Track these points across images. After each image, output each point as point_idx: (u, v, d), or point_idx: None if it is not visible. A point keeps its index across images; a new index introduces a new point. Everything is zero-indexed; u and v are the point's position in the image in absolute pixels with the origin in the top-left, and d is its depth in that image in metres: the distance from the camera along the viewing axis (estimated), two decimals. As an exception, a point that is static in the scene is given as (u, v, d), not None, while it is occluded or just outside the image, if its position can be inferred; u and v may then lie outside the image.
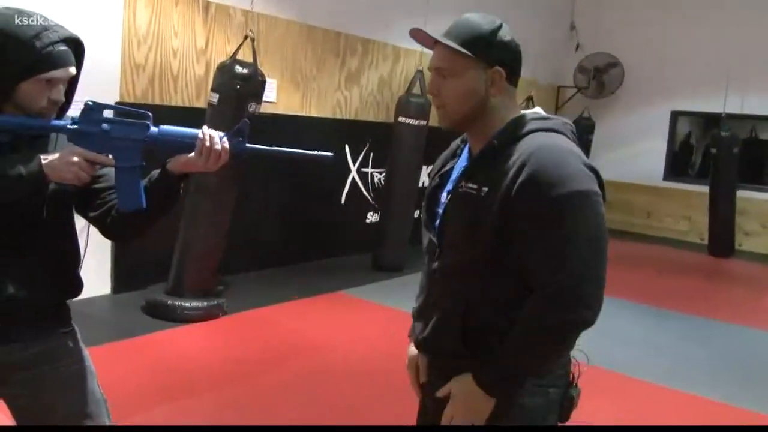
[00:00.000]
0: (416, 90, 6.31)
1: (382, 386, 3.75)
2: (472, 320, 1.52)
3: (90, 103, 1.57)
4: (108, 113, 1.61)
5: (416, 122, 6.21)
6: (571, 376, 1.56)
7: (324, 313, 5.07)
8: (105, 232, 1.74)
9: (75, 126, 1.57)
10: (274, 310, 4.95)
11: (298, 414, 3.34)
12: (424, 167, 7.63)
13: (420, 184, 7.52)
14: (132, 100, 4.82)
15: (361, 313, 5.17)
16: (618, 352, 4.58)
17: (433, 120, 6.55)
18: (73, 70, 1.62)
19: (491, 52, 1.51)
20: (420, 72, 6.29)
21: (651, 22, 9.55)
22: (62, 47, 1.58)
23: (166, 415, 3.20)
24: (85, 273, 4.41)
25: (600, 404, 3.72)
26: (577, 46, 10.13)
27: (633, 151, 9.95)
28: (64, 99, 1.63)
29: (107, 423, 1.78)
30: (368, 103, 7.00)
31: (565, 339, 1.45)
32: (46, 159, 1.50)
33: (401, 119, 6.25)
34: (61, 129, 1.59)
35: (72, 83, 1.67)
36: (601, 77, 9.84)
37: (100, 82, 4.57)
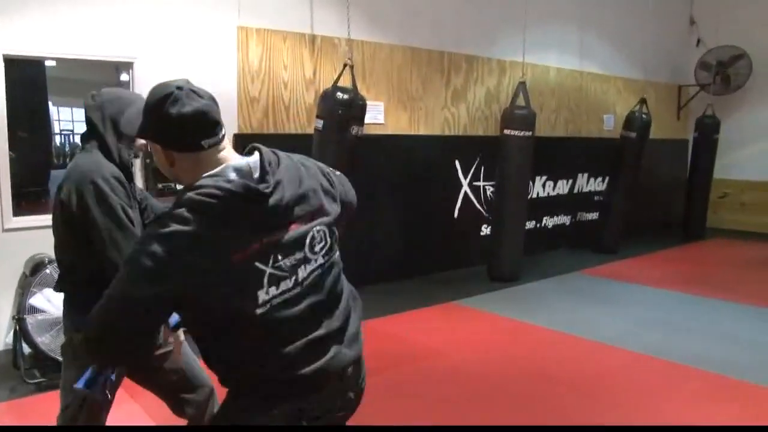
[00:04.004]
0: (520, 102, 6.37)
1: (488, 390, 3.86)
2: None
3: None
4: None
5: (522, 133, 6.26)
6: None
7: (437, 322, 5.23)
8: None
9: None
10: (388, 320, 5.16)
11: (402, 412, 3.51)
12: (537, 178, 7.68)
13: (533, 195, 7.55)
14: (249, 131, 5.26)
15: (474, 322, 5.26)
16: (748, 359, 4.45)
17: (539, 131, 6.59)
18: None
19: (149, 134, 1.64)
20: (523, 84, 6.34)
21: (778, 10, 9.05)
22: None
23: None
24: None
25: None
26: (698, 41, 9.75)
27: (765, 148, 9.40)
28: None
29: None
30: (476, 118, 7.13)
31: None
32: None
33: (507, 131, 6.33)
34: None
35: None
36: (725, 72, 9.39)
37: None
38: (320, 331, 1.62)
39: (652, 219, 9.36)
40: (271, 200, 1.54)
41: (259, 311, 1.52)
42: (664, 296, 6.12)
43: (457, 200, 6.94)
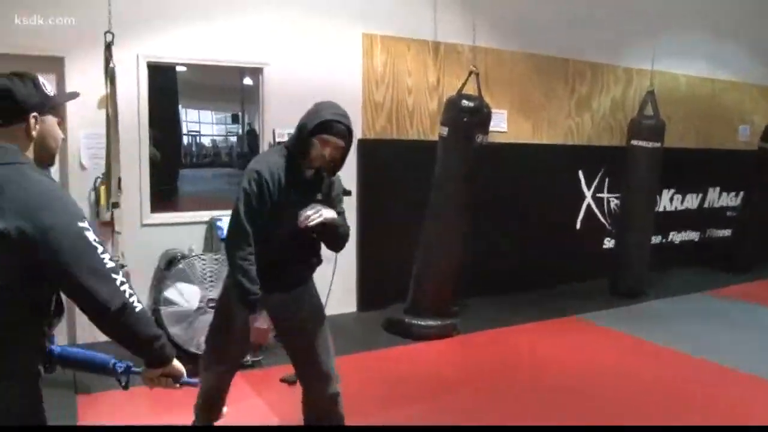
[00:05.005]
0: (648, 111, 6.11)
1: (596, 408, 3.72)
2: None
3: None
4: None
5: (650, 144, 6.01)
6: None
7: (554, 336, 5.08)
8: None
9: None
10: (505, 331, 5.07)
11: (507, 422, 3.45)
12: (665, 191, 7.33)
13: (659, 208, 7.22)
14: (373, 136, 5.33)
15: (593, 337, 5.08)
16: None
17: (668, 141, 6.29)
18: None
19: None
20: (651, 93, 6.08)
21: None
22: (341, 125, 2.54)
23: (395, 417, 3.50)
24: (334, 294, 4.94)
25: None
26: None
27: None
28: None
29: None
30: (601, 127, 6.90)
31: None
32: None
33: (634, 142, 6.10)
34: None
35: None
36: None
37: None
38: None
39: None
40: None
41: None
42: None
43: (579, 211, 6.74)
